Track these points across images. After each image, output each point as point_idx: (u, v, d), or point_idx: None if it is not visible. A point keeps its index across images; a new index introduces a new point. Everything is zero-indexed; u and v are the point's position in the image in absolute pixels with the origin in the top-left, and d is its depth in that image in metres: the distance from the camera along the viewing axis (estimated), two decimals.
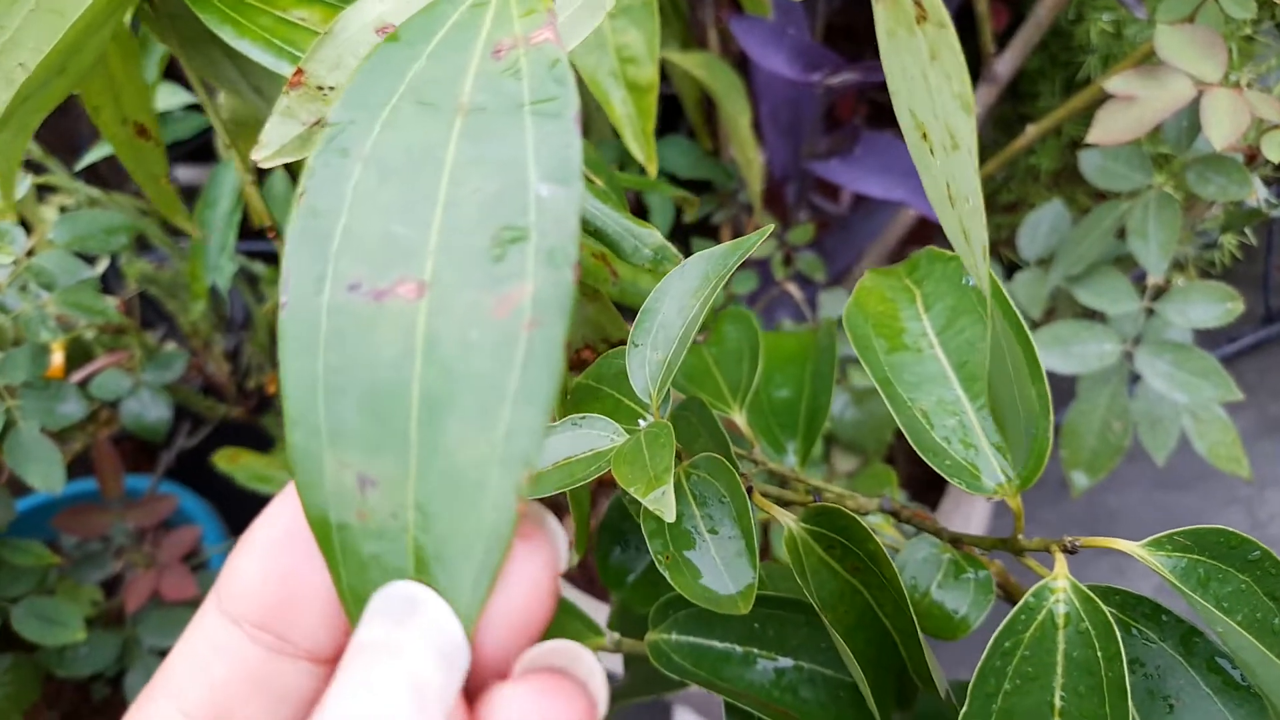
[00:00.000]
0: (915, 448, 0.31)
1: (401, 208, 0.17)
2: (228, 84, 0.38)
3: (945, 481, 0.95)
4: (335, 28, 0.27)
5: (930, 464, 0.30)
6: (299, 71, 0.28)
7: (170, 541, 0.73)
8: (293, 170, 0.66)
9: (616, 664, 0.44)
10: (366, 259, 0.16)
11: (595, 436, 0.28)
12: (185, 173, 1.20)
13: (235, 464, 0.66)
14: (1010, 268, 0.71)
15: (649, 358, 0.28)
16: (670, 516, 0.23)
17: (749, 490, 0.33)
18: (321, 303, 0.16)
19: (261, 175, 0.72)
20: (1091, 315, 0.68)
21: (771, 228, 0.32)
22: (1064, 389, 0.71)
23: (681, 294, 0.28)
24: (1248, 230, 0.88)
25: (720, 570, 0.26)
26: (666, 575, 0.26)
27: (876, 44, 0.22)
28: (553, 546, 0.18)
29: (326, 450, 0.16)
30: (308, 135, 0.28)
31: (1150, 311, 0.61)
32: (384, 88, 0.18)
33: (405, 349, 0.16)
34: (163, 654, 0.73)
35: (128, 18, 0.39)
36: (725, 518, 0.27)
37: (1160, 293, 0.62)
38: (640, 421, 0.30)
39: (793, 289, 0.73)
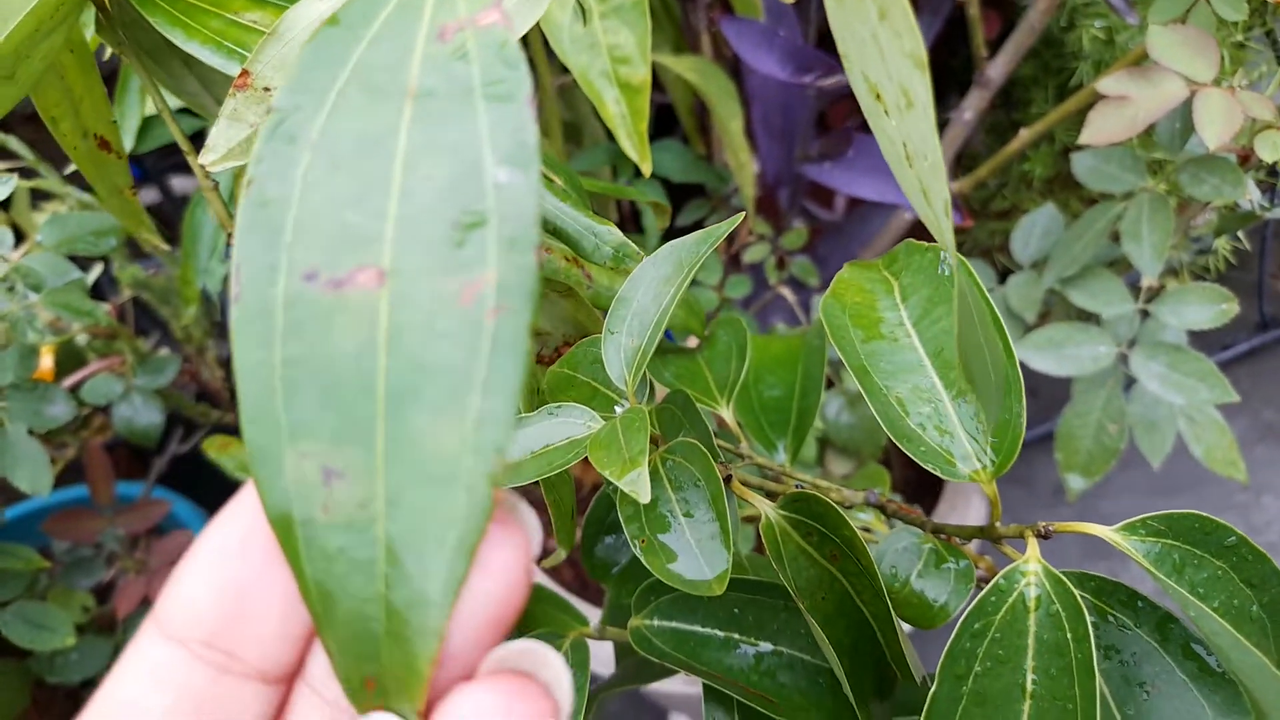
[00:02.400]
0: (889, 434, 0.30)
1: (355, 195, 0.16)
2: (188, 96, 0.38)
3: (941, 485, 0.95)
4: (280, 28, 0.27)
5: (905, 450, 0.30)
6: (244, 73, 0.27)
7: (162, 547, 0.73)
8: None
9: (608, 657, 0.43)
10: (322, 248, 0.16)
11: (572, 424, 0.28)
12: (181, 183, 1.20)
13: (225, 452, 0.65)
14: (1005, 274, 0.71)
15: (624, 344, 0.28)
16: (645, 498, 0.23)
17: (728, 478, 0.33)
18: (276, 293, 0.16)
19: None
20: (1086, 318, 0.68)
21: (741, 216, 0.32)
22: (1060, 392, 0.71)
23: (655, 281, 0.29)
24: (1242, 236, 0.88)
25: (695, 553, 0.26)
26: (642, 558, 0.26)
27: None
28: (525, 535, 0.17)
29: (287, 444, 0.15)
30: (254, 138, 0.27)
31: (1145, 313, 0.61)
32: (328, 73, 0.17)
33: (368, 339, 0.15)
34: None
35: (89, 34, 0.39)
36: (700, 501, 0.27)
37: (1154, 295, 0.62)
38: (616, 408, 0.30)
39: (786, 293, 0.73)
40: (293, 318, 0.15)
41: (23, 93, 0.31)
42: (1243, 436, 1.29)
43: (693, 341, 0.47)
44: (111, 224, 0.55)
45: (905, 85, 0.20)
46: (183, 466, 0.97)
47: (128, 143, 0.63)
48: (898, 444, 0.30)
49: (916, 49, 0.19)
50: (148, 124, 0.63)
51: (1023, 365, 0.63)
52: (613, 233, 0.34)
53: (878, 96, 0.22)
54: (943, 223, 0.21)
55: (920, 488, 0.85)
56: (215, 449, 0.69)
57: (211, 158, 0.27)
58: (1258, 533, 1.22)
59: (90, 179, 0.41)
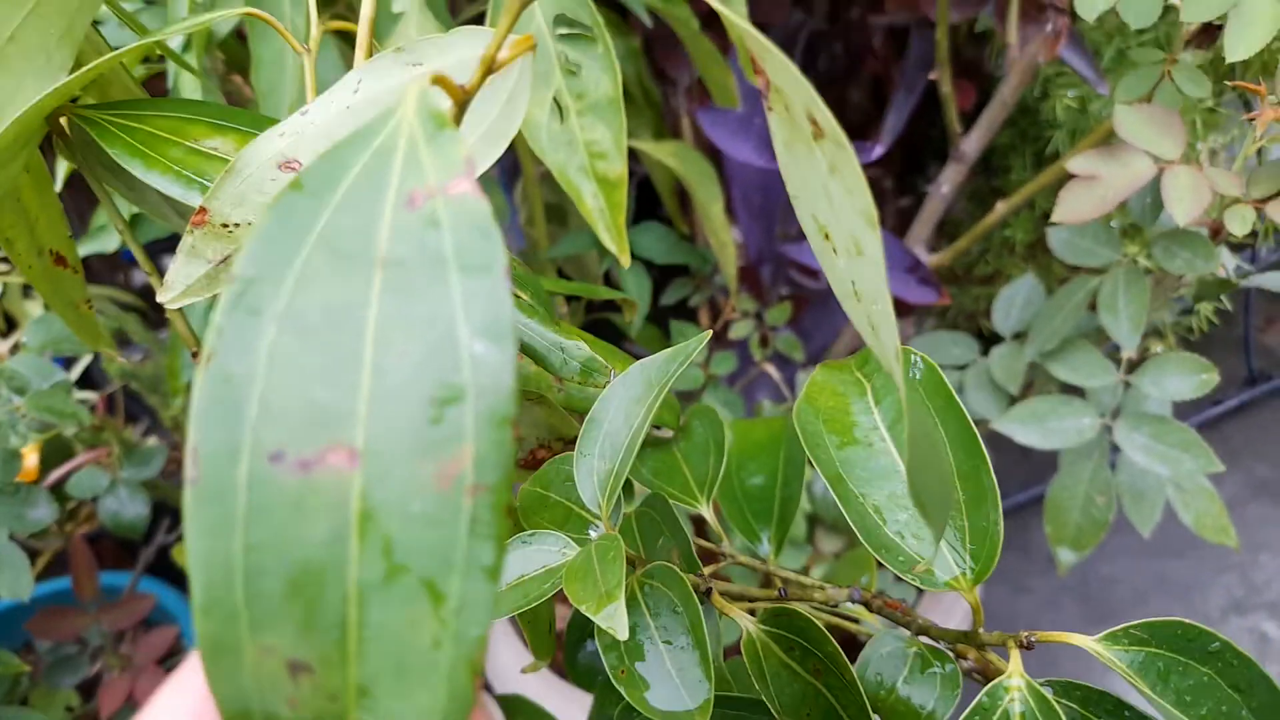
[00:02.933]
0: (867, 545, 0.30)
1: (324, 371, 0.15)
2: (149, 206, 0.37)
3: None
4: (236, 165, 0.27)
5: (883, 561, 0.30)
6: (202, 210, 0.27)
7: (148, 642, 0.72)
8: None
9: None
10: (289, 427, 0.15)
11: (546, 552, 0.28)
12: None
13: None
14: (991, 339, 0.71)
15: (596, 467, 0.28)
16: (623, 635, 0.23)
17: (708, 592, 0.33)
18: (238, 476, 0.15)
19: None
20: (1070, 390, 0.68)
21: (709, 333, 0.32)
22: (1053, 454, 0.71)
23: (626, 401, 0.28)
24: (1223, 296, 0.89)
25: (675, 683, 0.26)
26: (621, 690, 0.26)
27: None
28: None
29: (247, 638, 0.14)
30: (214, 273, 0.27)
31: (1127, 384, 0.62)
32: (293, 239, 0.16)
33: (339, 523, 0.15)
34: None
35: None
36: (679, 629, 0.27)
37: (1136, 365, 0.62)
38: (591, 531, 0.29)
39: (771, 370, 0.74)
40: (256, 502, 0.15)
41: None
42: (1236, 494, 1.29)
43: (667, 432, 0.47)
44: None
45: (856, 236, 0.20)
46: (170, 556, 0.96)
47: (114, 240, 0.64)
48: (875, 555, 0.30)
49: (867, 207, 0.20)
50: (134, 220, 0.64)
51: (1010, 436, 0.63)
52: (580, 348, 0.34)
53: (826, 236, 0.22)
54: (893, 365, 0.21)
55: None
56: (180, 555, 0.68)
57: (169, 295, 0.27)
58: (1258, 591, 1.21)
59: (45, 296, 0.40)
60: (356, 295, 0.16)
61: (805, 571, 0.68)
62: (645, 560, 0.30)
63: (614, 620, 0.23)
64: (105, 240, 0.62)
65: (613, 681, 0.26)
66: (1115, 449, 0.64)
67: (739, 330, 0.75)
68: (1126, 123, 0.54)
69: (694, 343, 0.29)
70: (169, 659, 0.86)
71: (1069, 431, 0.61)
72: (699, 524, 0.76)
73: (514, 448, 0.15)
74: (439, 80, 0.19)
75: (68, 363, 1.06)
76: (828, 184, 0.21)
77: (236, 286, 0.16)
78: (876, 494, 0.31)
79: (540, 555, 0.27)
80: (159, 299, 0.27)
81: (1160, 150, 0.53)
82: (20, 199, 0.36)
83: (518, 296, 0.37)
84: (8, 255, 0.36)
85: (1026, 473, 1.35)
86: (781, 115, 0.22)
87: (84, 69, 0.29)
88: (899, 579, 0.80)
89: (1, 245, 0.36)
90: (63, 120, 0.33)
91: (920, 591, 0.78)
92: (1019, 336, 0.70)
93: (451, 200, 0.17)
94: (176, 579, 0.98)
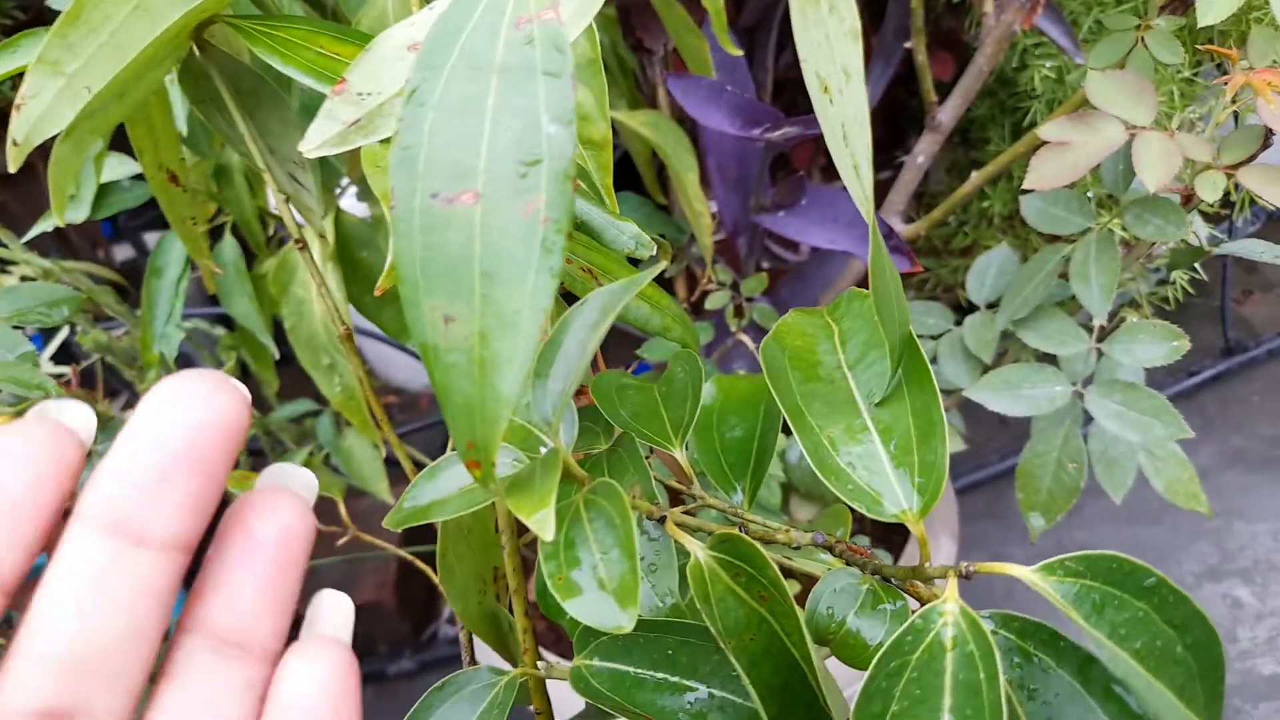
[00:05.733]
0: (817, 471, 0.31)
1: (461, 141, 0.24)
2: (241, 145, 0.45)
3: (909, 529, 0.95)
4: (373, 46, 0.33)
5: (832, 488, 0.31)
6: (342, 80, 0.33)
7: None
8: (240, 237, 0.66)
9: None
10: (441, 177, 0.23)
11: (500, 464, 0.29)
12: (154, 239, 1.20)
13: (244, 485, 0.64)
14: (970, 310, 0.71)
15: (550, 389, 0.29)
16: (548, 536, 0.25)
17: (662, 519, 0.33)
18: (415, 206, 0.23)
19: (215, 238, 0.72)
20: (1043, 358, 0.68)
21: (663, 264, 0.33)
22: (1025, 433, 0.72)
23: (580, 328, 0.30)
24: (1198, 266, 0.90)
25: (608, 591, 0.27)
26: (557, 596, 0.27)
27: None
28: (295, 503, 0.24)
29: (424, 297, 0.23)
30: (345, 133, 0.34)
31: (1099, 352, 0.62)
32: (443, 54, 0.25)
33: (468, 236, 0.23)
34: None
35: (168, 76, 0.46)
36: (613, 541, 0.28)
37: (1108, 333, 0.62)
38: (542, 449, 0.30)
39: (747, 340, 0.74)
40: (425, 221, 0.23)
41: (127, 113, 0.38)
42: (1212, 463, 1.30)
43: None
44: (64, 294, 0.55)
45: (845, 64, 0.27)
46: None
47: (84, 211, 0.63)
48: (824, 480, 0.31)
49: (854, 24, 0.26)
50: (102, 191, 0.63)
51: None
52: (630, 225, 0.43)
53: (825, 89, 0.28)
54: (868, 196, 0.27)
55: (889, 529, 0.85)
56: (234, 482, 0.67)
57: (308, 146, 0.33)
58: (1232, 558, 1.22)
59: (163, 207, 0.52)
60: (482, 90, 0.24)
61: None
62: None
63: (543, 524, 0.25)
64: (76, 211, 0.62)
65: (549, 587, 0.27)
66: (1088, 417, 0.64)
67: (715, 301, 0.76)
68: (1098, 89, 0.54)
69: (645, 274, 0.29)
70: None
71: (1041, 399, 0.61)
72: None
73: (573, 197, 0.23)
74: None
75: (46, 337, 1.05)
76: (829, 29, 0.27)
77: (410, 86, 0.24)
78: (833, 427, 0.32)
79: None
80: (300, 147, 0.33)
81: (1132, 116, 0.53)
82: (149, 116, 0.46)
83: (578, 186, 0.44)
84: (139, 162, 0.47)
85: (1003, 441, 1.36)
86: None
87: None
88: (875, 544, 0.81)
89: (136, 153, 0.46)
90: (205, 33, 0.40)
91: (897, 556, 0.79)
92: (993, 306, 0.70)
93: (543, 24, 0.25)
94: None
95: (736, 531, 0.33)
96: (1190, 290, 1.11)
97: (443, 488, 0.30)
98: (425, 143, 0.24)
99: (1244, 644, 1.15)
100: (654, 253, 0.45)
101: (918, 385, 0.32)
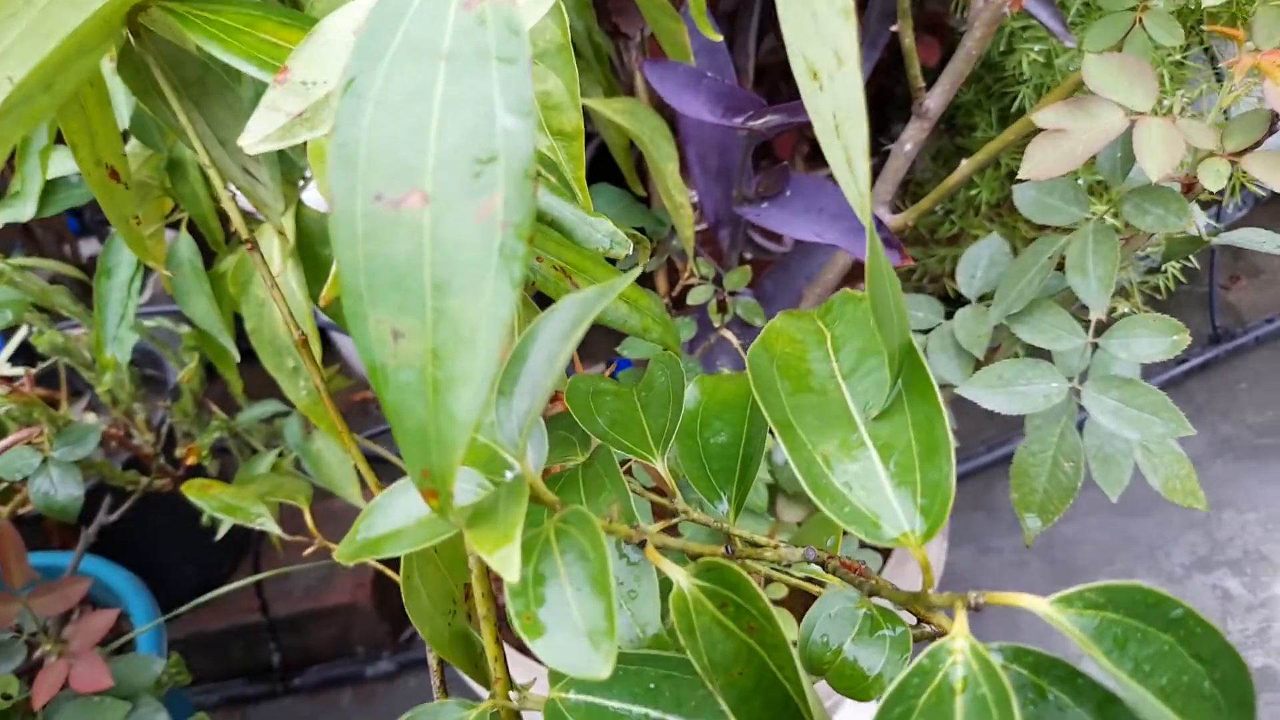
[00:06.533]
0: (811, 494, 0.28)
1: (405, 138, 0.22)
2: (188, 138, 0.43)
3: None
4: (317, 32, 0.31)
5: (828, 512, 0.28)
6: (285, 69, 0.32)
7: (83, 627, 0.69)
8: (198, 234, 0.63)
9: None
10: (383, 177, 0.22)
11: (461, 491, 0.27)
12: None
13: (206, 494, 0.62)
14: (959, 301, 0.69)
15: (516, 407, 0.26)
16: (512, 577, 0.23)
17: (642, 544, 0.31)
18: (356, 209, 0.21)
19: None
20: (1037, 353, 0.66)
21: (639, 269, 0.31)
22: (1013, 423, 0.69)
23: (550, 339, 0.27)
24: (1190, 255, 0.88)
25: (581, 632, 0.24)
26: (525, 639, 0.24)
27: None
28: None
29: (369, 311, 0.21)
30: (290, 126, 0.32)
31: (1095, 346, 0.60)
32: (383, 41, 0.23)
33: (417, 243, 0.21)
34: None
35: (108, 66, 0.45)
36: (585, 576, 0.25)
37: (1105, 326, 0.60)
38: (508, 473, 0.28)
39: (730, 336, 0.71)
40: (368, 226, 0.21)
41: (56, 104, 0.36)
42: (1200, 452, 1.29)
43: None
44: (11, 297, 0.52)
45: (836, 47, 0.25)
46: (116, 534, 0.93)
47: (31, 208, 0.60)
48: (819, 505, 0.28)
49: (844, 2, 0.24)
50: (50, 187, 0.60)
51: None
52: (604, 223, 0.40)
53: (814, 75, 0.26)
54: (863, 193, 0.26)
55: None
56: (195, 490, 0.64)
57: (249, 140, 0.31)
58: (1220, 549, 1.21)
59: (104, 206, 0.48)
60: (427, 80, 0.22)
61: None
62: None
63: (506, 563, 0.23)
64: (20, 208, 0.59)
65: (516, 629, 0.25)
66: (1082, 412, 0.62)
67: (697, 296, 0.73)
68: (1096, 73, 0.52)
69: (622, 279, 0.26)
70: (111, 641, 0.83)
71: (1036, 396, 0.59)
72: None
73: (534, 198, 0.22)
74: None
75: (6, 336, 1.01)
76: (816, 7, 0.25)
77: (346, 78, 0.23)
78: (827, 443, 0.29)
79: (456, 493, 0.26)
80: (240, 142, 0.31)
81: (1131, 101, 0.51)
82: (85, 108, 0.43)
83: (546, 179, 0.42)
84: (75, 159, 0.44)
85: (991, 432, 1.34)
86: None
87: None
88: (864, 545, 0.78)
89: (70, 149, 0.43)
90: (140, 18, 0.37)
91: (885, 557, 0.76)
92: (984, 299, 0.68)
93: (495, 4, 0.23)
94: (122, 558, 0.95)
95: (722, 557, 0.30)
96: (1180, 278, 1.09)
97: (398, 517, 0.28)
98: (365, 139, 0.22)
99: (1234, 636, 1.14)
100: (631, 251, 0.42)
101: (919, 396, 0.29)
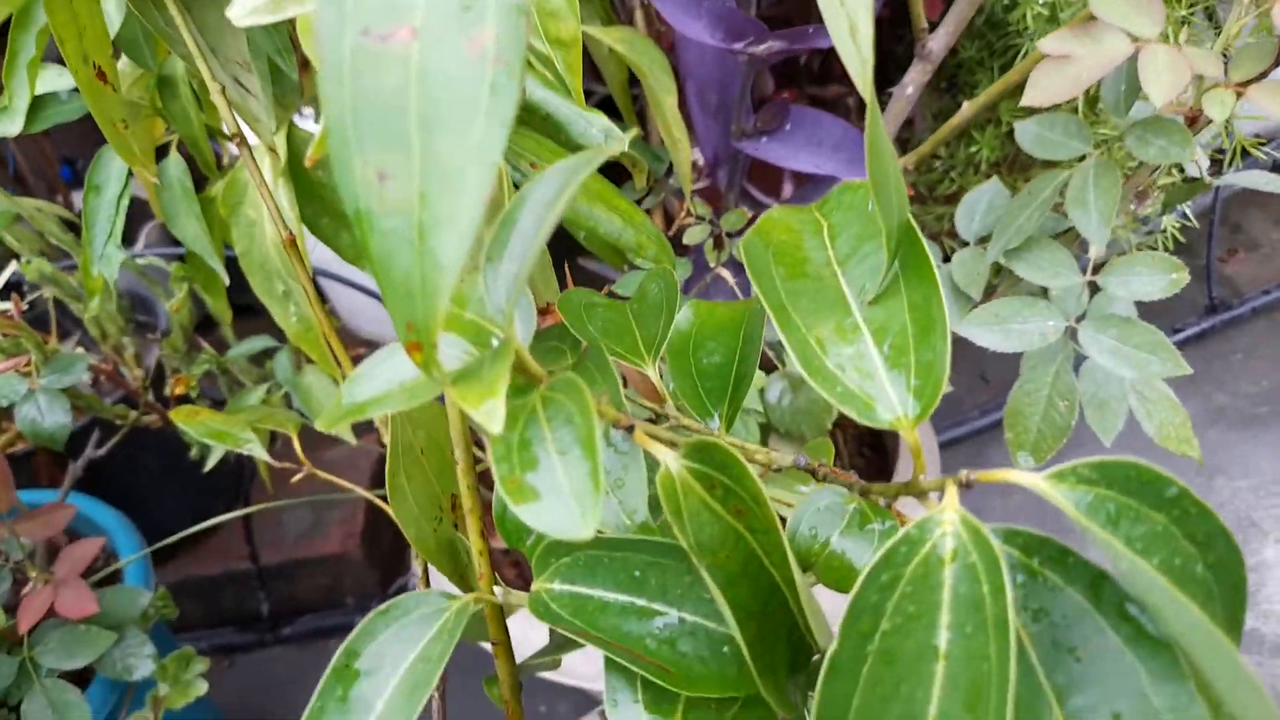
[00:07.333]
0: (804, 372, 0.28)
1: None
2: (180, 45, 0.43)
3: (893, 464, 0.93)
4: None
5: (820, 389, 0.28)
6: None
7: (69, 555, 0.68)
8: (189, 157, 0.62)
9: None
10: (371, 12, 0.21)
11: (447, 356, 0.26)
12: None
13: (194, 421, 0.61)
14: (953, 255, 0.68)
15: (504, 271, 0.26)
16: (496, 428, 0.22)
17: (630, 428, 0.30)
18: (344, 45, 0.21)
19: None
20: (1039, 293, 0.66)
21: (619, 146, 0.30)
22: (1014, 377, 0.69)
23: (537, 205, 0.26)
24: (1190, 215, 0.87)
25: (566, 495, 0.24)
26: (508, 500, 0.24)
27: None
28: None
29: (355, 153, 0.20)
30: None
31: (1093, 286, 0.59)
32: None
33: (404, 79, 0.21)
34: (64, 677, 0.68)
35: None
36: (573, 440, 0.24)
37: (1103, 267, 0.59)
38: (494, 341, 0.27)
39: (726, 275, 0.71)
40: (355, 63, 0.21)
41: None
42: (1195, 420, 1.28)
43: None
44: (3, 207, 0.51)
45: None
46: (105, 470, 0.92)
47: (18, 123, 0.59)
48: (812, 382, 0.28)
49: None
50: (38, 103, 0.59)
51: (971, 344, 0.61)
52: (600, 118, 0.40)
53: None
54: (863, 61, 0.25)
55: (869, 468, 0.83)
56: (183, 417, 0.64)
57: (238, 12, 0.31)
58: None
59: (90, 107, 0.48)
60: None
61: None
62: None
63: (491, 416, 0.22)
64: (7, 124, 0.58)
65: (500, 492, 0.24)
66: (1079, 361, 0.61)
67: (693, 236, 0.72)
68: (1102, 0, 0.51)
69: (607, 149, 0.26)
70: (101, 570, 0.83)
71: (1032, 334, 0.58)
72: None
73: (525, 33, 0.21)
74: None
75: None
76: None
77: None
78: (821, 326, 0.29)
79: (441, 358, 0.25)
80: (228, 14, 0.31)
81: (1137, 28, 0.50)
82: (72, 3, 0.42)
83: (543, 75, 0.42)
84: (61, 54, 0.44)
85: (987, 396, 1.34)
86: None
87: None
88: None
89: (57, 43, 0.43)
90: None
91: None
92: (982, 241, 0.67)
93: None
94: (108, 494, 0.94)
95: (713, 437, 0.30)
96: (1181, 238, 1.08)
97: (382, 382, 0.27)
98: None
99: (1231, 534, 1.14)
100: (625, 148, 0.42)
101: (916, 277, 0.29)
